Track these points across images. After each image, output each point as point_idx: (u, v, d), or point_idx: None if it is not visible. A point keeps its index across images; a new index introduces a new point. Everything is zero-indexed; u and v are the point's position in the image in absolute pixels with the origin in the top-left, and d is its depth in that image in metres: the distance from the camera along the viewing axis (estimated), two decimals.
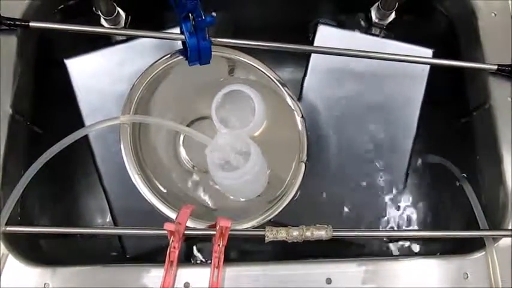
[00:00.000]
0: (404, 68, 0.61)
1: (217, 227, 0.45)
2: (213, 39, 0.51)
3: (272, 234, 0.47)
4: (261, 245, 0.61)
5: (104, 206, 0.61)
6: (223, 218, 0.45)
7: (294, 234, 0.47)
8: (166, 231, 0.44)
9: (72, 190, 0.70)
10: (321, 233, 0.48)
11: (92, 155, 0.59)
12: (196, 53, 0.51)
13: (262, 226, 0.51)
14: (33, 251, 0.55)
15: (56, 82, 0.60)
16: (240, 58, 0.57)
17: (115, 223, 0.60)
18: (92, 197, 0.69)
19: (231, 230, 0.46)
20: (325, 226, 0.48)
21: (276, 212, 0.53)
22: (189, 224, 0.49)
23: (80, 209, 0.70)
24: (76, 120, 0.58)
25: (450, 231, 0.52)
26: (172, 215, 0.52)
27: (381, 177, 0.61)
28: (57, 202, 0.68)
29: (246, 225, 0.52)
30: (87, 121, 0.58)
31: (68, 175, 0.70)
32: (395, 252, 0.60)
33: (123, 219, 0.59)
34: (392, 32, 0.65)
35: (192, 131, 0.53)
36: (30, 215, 0.61)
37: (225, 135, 0.54)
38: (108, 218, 0.67)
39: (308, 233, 0.48)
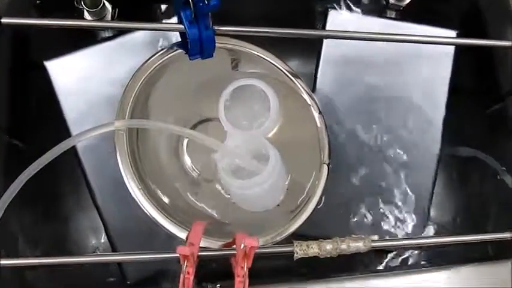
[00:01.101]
0: (427, 52, 0.56)
1: (241, 246, 0.38)
2: (216, 27, 0.45)
3: (302, 250, 0.41)
4: (278, 261, 0.55)
5: (98, 224, 0.56)
6: (244, 235, 0.39)
7: (328, 248, 0.41)
8: (178, 255, 0.37)
9: (60, 209, 0.63)
10: (359, 244, 0.42)
11: (82, 168, 0.53)
12: (197, 45, 0.45)
13: (286, 240, 0.45)
14: (18, 286, 0.49)
15: (36, 88, 0.57)
16: (247, 49, 0.51)
17: (111, 243, 0.54)
18: (83, 214, 0.63)
19: None
20: (362, 237, 0.42)
21: (299, 223, 0.47)
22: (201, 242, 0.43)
23: (70, 229, 0.63)
24: (61, 130, 0.53)
25: (499, 233, 0.46)
26: (176, 231, 0.46)
27: (409, 176, 0.55)
28: (43, 224, 0.62)
29: (265, 240, 0.46)
30: (74, 130, 0.53)
31: (54, 192, 0.63)
32: (434, 260, 0.55)
33: (121, 240, 0.53)
34: (410, 14, 0.59)
35: (198, 135, 0.47)
36: (12, 242, 0.55)
37: (237, 138, 0.48)
38: (103, 238, 0.61)
39: (344, 246, 0.41)
